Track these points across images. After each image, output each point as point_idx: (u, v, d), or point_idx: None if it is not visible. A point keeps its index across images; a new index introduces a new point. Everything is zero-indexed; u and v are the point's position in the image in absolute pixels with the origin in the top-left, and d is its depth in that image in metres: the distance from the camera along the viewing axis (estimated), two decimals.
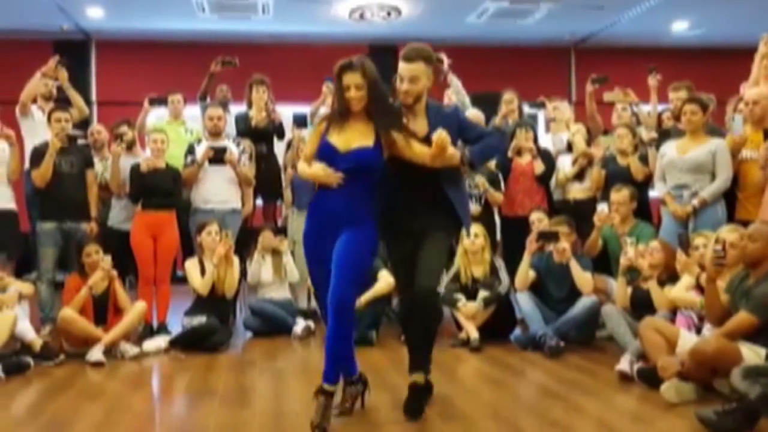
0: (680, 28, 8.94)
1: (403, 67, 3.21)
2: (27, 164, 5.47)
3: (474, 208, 5.50)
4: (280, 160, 6.31)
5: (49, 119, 5.32)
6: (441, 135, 3.02)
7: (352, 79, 3.08)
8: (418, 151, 3.13)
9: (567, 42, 9.61)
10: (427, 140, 3.13)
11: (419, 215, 3.26)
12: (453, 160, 3.13)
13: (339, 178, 3.07)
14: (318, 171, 3.10)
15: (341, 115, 3.17)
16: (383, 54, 7.86)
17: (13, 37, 8.49)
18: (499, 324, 4.95)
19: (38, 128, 5.70)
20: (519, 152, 5.69)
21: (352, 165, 3.08)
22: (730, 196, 4.73)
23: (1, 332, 4.24)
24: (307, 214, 3.26)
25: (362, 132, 3.13)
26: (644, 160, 5.32)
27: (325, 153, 3.13)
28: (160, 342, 4.78)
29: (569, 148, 5.88)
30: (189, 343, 4.76)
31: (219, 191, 5.45)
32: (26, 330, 4.44)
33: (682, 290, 4.09)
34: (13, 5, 7.61)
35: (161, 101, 6.30)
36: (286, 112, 6.32)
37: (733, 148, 4.72)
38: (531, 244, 4.87)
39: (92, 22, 8.45)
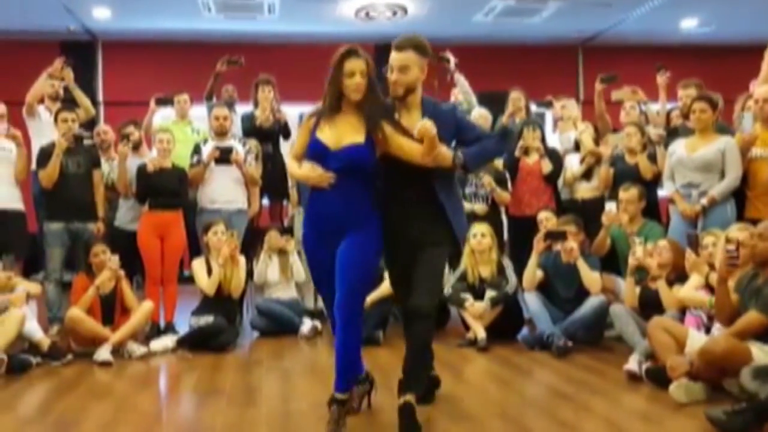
0: (689, 25, 8.88)
1: (393, 56, 3.07)
2: (34, 165, 5.50)
3: (481, 207, 5.49)
4: (286, 160, 6.29)
5: (55, 119, 5.33)
6: (425, 124, 2.87)
7: (357, 65, 2.93)
8: (408, 148, 2.96)
9: (575, 40, 9.56)
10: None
11: (413, 218, 3.09)
12: (445, 160, 2.96)
13: (331, 179, 2.94)
14: (308, 172, 2.98)
15: (332, 109, 3.02)
16: (389, 54, 7.82)
17: (19, 37, 8.51)
18: (507, 324, 4.93)
19: (45, 128, 5.72)
20: (526, 151, 5.66)
21: (344, 164, 2.93)
22: (739, 195, 4.69)
23: (9, 331, 4.26)
24: (305, 217, 3.16)
25: (353, 127, 2.97)
26: (653, 158, 5.29)
27: (316, 151, 3.00)
28: (167, 342, 4.79)
29: (577, 147, 5.86)
30: (196, 342, 4.76)
31: (225, 191, 5.46)
32: (34, 330, 4.46)
33: (691, 290, 4.06)
34: (19, 6, 7.62)
35: (167, 101, 6.32)
36: (291, 112, 6.31)
37: (743, 146, 4.68)
38: (539, 243, 4.85)
39: (99, 23, 8.46)
